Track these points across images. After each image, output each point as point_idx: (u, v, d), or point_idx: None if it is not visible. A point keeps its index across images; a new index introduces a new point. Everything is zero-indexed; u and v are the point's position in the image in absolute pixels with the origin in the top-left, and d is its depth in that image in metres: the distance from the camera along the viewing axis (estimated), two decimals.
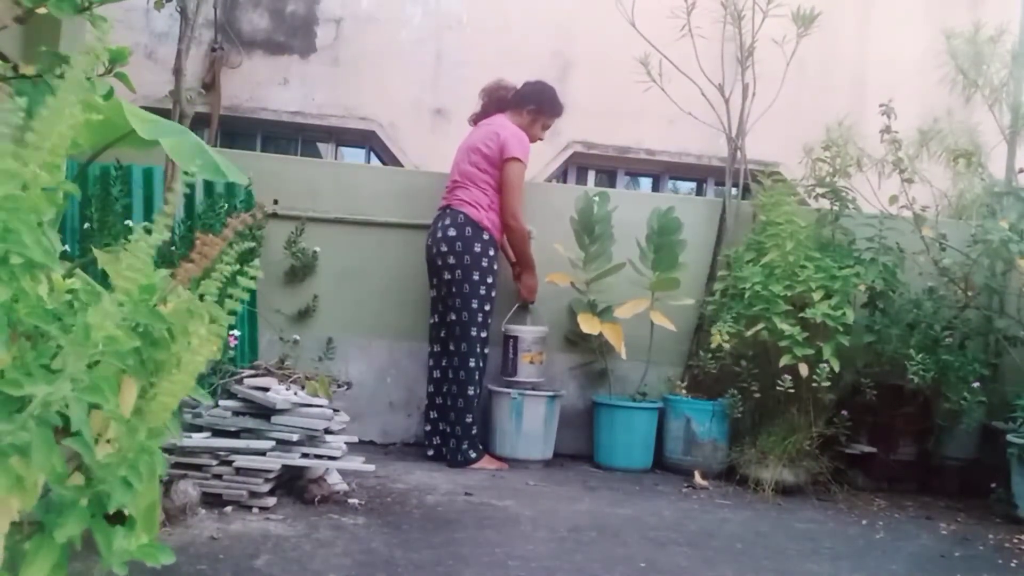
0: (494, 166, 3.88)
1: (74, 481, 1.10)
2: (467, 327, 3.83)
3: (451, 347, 3.88)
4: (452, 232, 3.83)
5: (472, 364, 3.85)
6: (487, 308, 3.87)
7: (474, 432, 3.85)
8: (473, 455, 3.84)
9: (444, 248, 3.84)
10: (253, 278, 1.22)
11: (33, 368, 1.01)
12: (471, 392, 3.85)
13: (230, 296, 1.22)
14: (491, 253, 3.86)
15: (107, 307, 1.04)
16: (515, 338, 4.01)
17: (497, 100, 4.10)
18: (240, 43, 5.75)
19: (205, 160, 1.92)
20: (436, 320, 3.98)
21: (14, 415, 0.98)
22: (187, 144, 1.94)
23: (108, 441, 1.14)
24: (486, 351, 3.92)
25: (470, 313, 3.83)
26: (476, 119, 4.15)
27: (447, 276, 3.84)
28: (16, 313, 1.02)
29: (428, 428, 3.99)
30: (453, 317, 3.85)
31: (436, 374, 3.96)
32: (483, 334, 3.88)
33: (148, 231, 1.11)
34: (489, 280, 3.86)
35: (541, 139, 4.18)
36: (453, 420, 3.85)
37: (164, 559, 1.17)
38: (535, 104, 4.06)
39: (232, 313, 1.22)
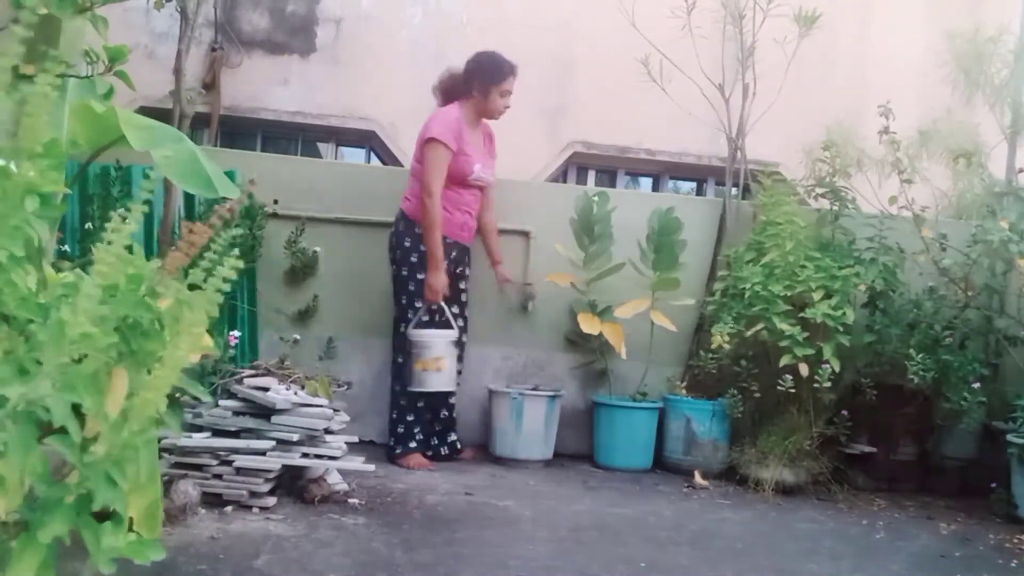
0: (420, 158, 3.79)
1: (69, 480, 1.10)
2: (396, 323, 3.89)
3: (393, 343, 3.94)
4: (392, 228, 3.90)
5: (400, 360, 3.86)
6: (417, 304, 3.78)
7: (399, 430, 3.84)
8: (398, 451, 3.82)
9: (389, 245, 3.92)
10: (251, 271, 1.21)
11: (18, 365, 1.00)
12: (397, 388, 3.87)
13: (218, 290, 1.20)
14: (422, 248, 3.76)
15: (83, 303, 1.03)
16: (411, 342, 3.78)
17: (449, 92, 3.93)
18: (240, 43, 5.74)
19: (197, 172, 1.91)
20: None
21: None
22: (180, 155, 1.93)
23: (99, 446, 1.13)
24: (413, 351, 3.77)
25: (399, 309, 3.85)
26: None
27: (392, 273, 3.91)
28: (6, 306, 1.02)
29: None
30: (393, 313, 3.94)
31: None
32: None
33: (123, 219, 1.11)
34: (420, 276, 3.77)
35: (508, 107, 3.90)
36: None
37: (154, 555, 1.16)
38: (478, 79, 3.83)
39: (230, 308, 1.22)
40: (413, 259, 3.78)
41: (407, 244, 3.79)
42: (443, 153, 3.70)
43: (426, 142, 3.72)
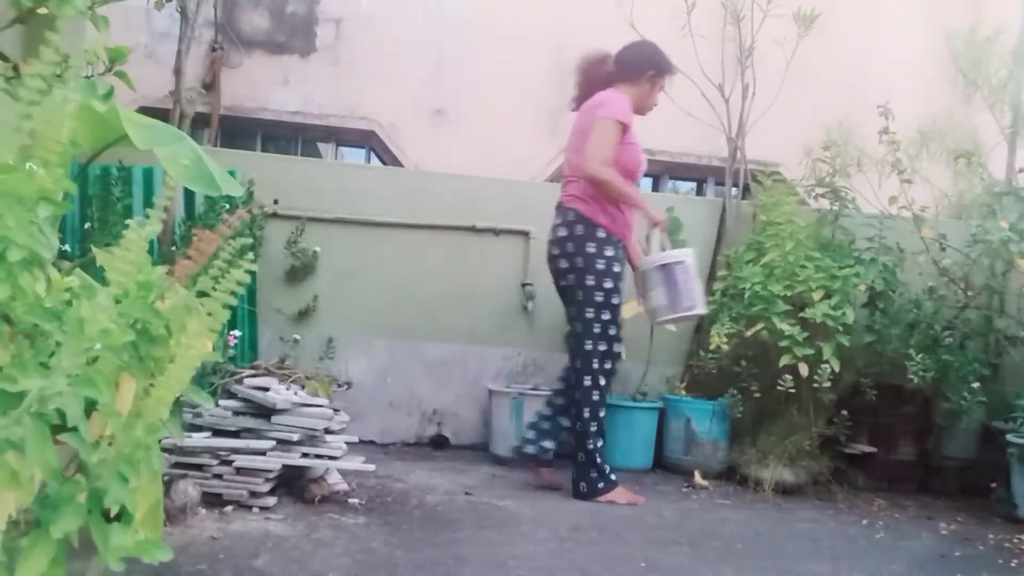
0: None
1: (79, 478, 1.10)
2: (582, 339, 3.30)
3: (576, 363, 3.35)
4: (563, 232, 3.33)
5: (588, 383, 3.31)
6: (605, 317, 3.30)
7: (598, 460, 3.32)
8: (600, 486, 3.31)
9: (556, 251, 3.36)
10: (250, 271, 1.22)
11: (31, 366, 1.01)
12: (587, 414, 3.32)
13: (228, 292, 1.21)
14: (608, 253, 3.29)
15: (102, 301, 1.05)
16: (678, 263, 3.33)
17: (603, 76, 3.46)
18: (240, 43, 5.75)
19: (200, 171, 1.91)
20: (567, 330, 3.47)
21: (9, 411, 0.98)
22: (183, 153, 1.93)
23: (110, 444, 1.14)
24: (607, 366, 3.33)
25: (584, 324, 3.29)
26: (577, 102, 3.52)
27: (563, 282, 3.38)
28: (14, 311, 1.03)
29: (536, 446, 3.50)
30: (570, 328, 3.40)
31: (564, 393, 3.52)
32: (601, 346, 3.30)
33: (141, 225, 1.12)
34: (607, 285, 3.29)
35: (656, 105, 3.60)
36: (574, 447, 3.39)
37: (161, 556, 1.17)
38: (654, 68, 3.45)
39: (229, 308, 1.23)
40: (600, 265, 3.28)
41: (591, 250, 3.27)
42: (615, 128, 3.28)
43: (603, 119, 3.26)
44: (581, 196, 3.33)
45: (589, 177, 3.29)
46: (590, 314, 3.28)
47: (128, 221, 1.16)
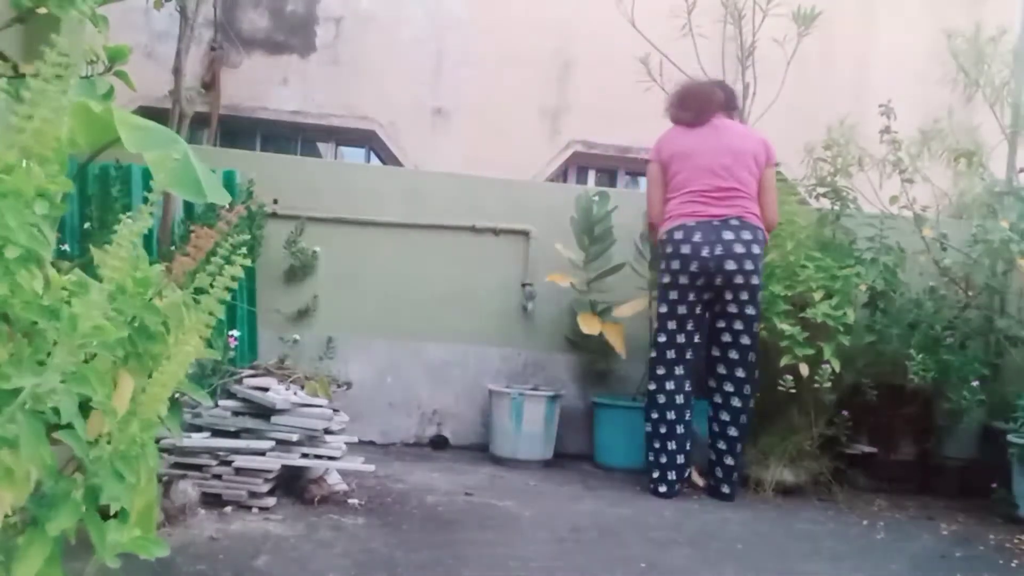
0: (758, 175, 3.58)
1: (76, 475, 1.10)
2: (751, 350, 3.51)
3: (739, 372, 3.51)
4: (756, 249, 3.45)
5: (750, 391, 3.54)
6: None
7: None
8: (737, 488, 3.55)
9: (749, 266, 3.43)
10: (250, 271, 1.22)
11: (28, 363, 1.01)
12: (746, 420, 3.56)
13: (225, 288, 1.21)
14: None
15: (94, 297, 1.04)
16: None
17: (718, 101, 3.66)
18: (240, 43, 5.74)
19: (187, 176, 1.90)
20: (724, 340, 3.55)
21: (4, 408, 0.98)
22: (172, 157, 1.92)
23: (108, 443, 1.13)
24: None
25: (753, 339, 3.52)
26: (694, 121, 3.63)
27: (743, 295, 3.47)
28: (12, 309, 1.02)
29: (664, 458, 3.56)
30: (745, 341, 3.51)
31: (718, 400, 3.58)
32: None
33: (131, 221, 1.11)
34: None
35: None
36: (734, 451, 3.54)
37: (158, 552, 1.17)
38: (736, 107, 3.90)
39: (229, 308, 1.22)
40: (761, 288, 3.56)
41: (761, 266, 3.53)
42: None
43: (771, 166, 3.61)
44: (759, 217, 3.55)
45: (773, 228, 3.66)
46: (756, 329, 3.54)
47: (122, 217, 1.16)
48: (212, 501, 2.69)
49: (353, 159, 6.34)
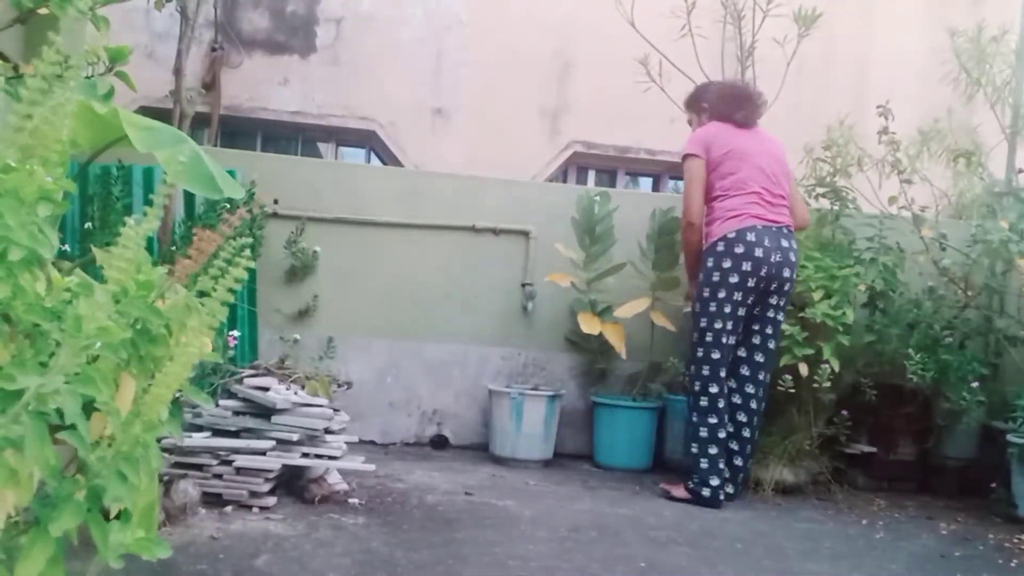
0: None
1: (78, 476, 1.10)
2: (776, 354, 3.59)
3: (762, 376, 3.53)
4: (794, 258, 3.50)
5: (764, 392, 3.57)
6: None
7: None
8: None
9: (788, 274, 3.47)
10: (250, 271, 1.22)
11: (31, 365, 1.01)
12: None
13: (227, 290, 1.21)
14: None
15: (99, 298, 1.04)
16: None
17: (759, 109, 3.72)
18: (240, 43, 5.75)
19: (200, 173, 1.91)
20: (755, 342, 3.54)
21: (8, 409, 0.98)
22: (183, 155, 1.93)
23: (110, 444, 1.14)
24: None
25: (777, 341, 3.57)
26: (745, 122, 3.64)
27: (783, 302, 3.52)
28: (15, 310, 1.03)
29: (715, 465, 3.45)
30: (772, 345, 3.54)
31: (737, 400, 3.53)
32: None
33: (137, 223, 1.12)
34: None
35: None
36: (744, 452, 3.53)
37: (160, 553, 1.17)
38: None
39: (229, 307, 1.23)
40: None
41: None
42: None
43: (793, 180, 3.74)
44: (793, 226, 3.60)
45: (803, 229, 3.78)
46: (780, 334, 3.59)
47: (126, 219, 1.16)
48: (213, 501, 2.70)
49: (353, 159, 6.35)
